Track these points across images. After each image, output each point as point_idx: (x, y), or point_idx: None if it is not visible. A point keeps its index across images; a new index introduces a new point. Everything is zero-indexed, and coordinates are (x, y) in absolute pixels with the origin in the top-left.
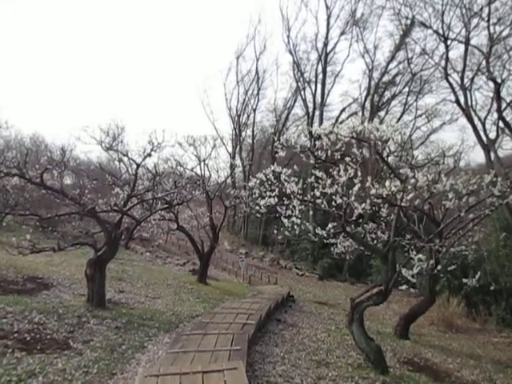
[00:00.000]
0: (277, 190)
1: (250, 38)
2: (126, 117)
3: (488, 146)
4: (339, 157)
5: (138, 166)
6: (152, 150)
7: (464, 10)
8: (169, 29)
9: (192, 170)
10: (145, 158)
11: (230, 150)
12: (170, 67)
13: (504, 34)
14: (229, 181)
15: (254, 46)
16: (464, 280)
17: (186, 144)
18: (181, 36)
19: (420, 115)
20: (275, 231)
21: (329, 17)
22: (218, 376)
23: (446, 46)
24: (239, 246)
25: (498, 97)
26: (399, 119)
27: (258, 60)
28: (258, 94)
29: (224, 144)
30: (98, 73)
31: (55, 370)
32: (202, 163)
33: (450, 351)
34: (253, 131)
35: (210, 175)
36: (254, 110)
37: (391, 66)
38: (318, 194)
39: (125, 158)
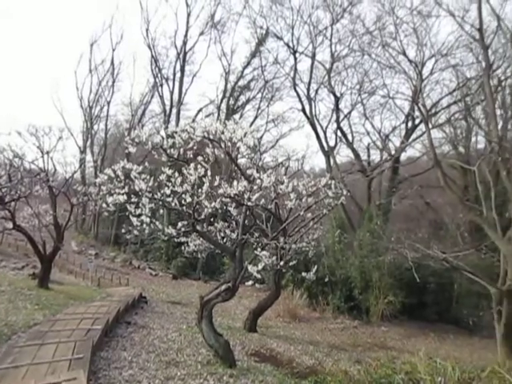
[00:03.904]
0: (126, 187)
1: (107, 25)
2: None
3: (328, 152)
4: (191, 156)
5: None
6: None
7: (311, 28)
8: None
9: (33, 162)
10: None
11: (81, 143)
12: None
13: (343, 53)
14: (78, 177)
15: (110, 35)
16: (304, 274)
17: (26, 133)
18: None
19: (271, 120)
20: (123, 230)
21: (189, 15)
22: None
23: (295, 59)
24: (88, 246)
25: (337, 109)
26: (252, 123)
27: (114, 50)
28: (112, 85)
29: (73, 136)
30: None
31: None
32: (46, 156)
33: (293, 340)
34: (106, 125)
35: (55, 170)
36: (108, 103)
37: (247, 71)
38: (168, 192)
39: None
